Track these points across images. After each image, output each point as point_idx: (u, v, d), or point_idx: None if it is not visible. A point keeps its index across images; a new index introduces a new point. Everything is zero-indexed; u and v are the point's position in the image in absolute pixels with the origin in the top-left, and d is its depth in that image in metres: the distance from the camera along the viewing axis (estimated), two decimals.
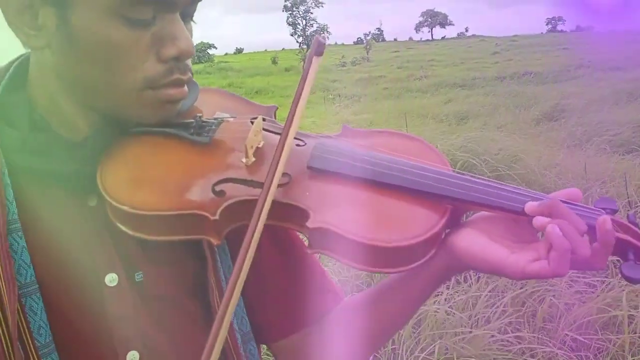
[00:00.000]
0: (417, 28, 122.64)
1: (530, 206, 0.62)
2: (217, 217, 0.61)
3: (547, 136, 7.06)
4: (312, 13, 42.42)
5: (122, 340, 0.66)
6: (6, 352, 0.59)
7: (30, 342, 0.60)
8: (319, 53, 0.65)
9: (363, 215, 0.64)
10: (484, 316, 2.78)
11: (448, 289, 3.10)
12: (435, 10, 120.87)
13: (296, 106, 0.64)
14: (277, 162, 0.61)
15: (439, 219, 0.64)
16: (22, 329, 0.60)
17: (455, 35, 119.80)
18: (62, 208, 0.66)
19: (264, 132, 0.71)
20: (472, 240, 0.64)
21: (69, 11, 0.58)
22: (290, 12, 42.73)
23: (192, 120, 0.69)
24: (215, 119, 0.71)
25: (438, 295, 2.96)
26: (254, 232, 0.57)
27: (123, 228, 0.62)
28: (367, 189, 0.66)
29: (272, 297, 0.78)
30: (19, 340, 0.60)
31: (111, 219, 0.63)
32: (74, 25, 0.58)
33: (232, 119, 0.72)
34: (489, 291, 2.99)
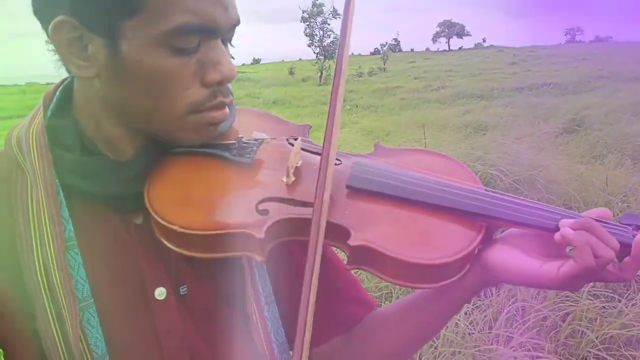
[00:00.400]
0: (434, 38, 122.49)
1: (564, 223, 0.64)
2: (262, 235, 0.63)
3: (567, 148, 6.99)
4: (329, 24, 42.65)
5: (170, 352, 0.68)
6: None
7: (88, 353, 0.63)
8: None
9: (402, 233, 0.66)
10: (506, 332, 2.76)
11: (468, 303, 3.08)
12: (453, 21, 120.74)
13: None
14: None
15: (474, 236, 0.67)
16: (81, 341, 0.63)
17: (472, 45, 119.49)
18: (111, 226, 0.69)
19: (302, 152, 0.73)
20: (506, 255, 0.66)
21: (118, 42, 0.60)
22: (307, 23, 42.98)
23: (234, 142, 0.72)
24: (255, 139, 0.73)
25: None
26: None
27: (170, 246, 0.65)
28: (404, 207, 0.68)
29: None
30: (75, 355, 0.62)
31: (158, 236, 0.65)
32: (123, 55, 0.61)
33: (270, 140, 0.74)
34: (510, 306, 2.96)
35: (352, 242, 0.64)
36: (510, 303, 3.00)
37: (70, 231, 0.66)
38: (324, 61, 39.86)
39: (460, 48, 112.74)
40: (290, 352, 0.78)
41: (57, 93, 0.72)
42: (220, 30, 0.64)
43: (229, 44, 0.69)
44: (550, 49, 62.66)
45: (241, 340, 0.71)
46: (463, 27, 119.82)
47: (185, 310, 0.71)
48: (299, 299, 0.78)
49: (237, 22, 0.66)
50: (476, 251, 0.69)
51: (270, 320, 0.74)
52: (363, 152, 0.79)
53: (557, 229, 0.65)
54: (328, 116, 0.66)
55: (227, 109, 0.70)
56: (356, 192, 0.70)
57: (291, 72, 43.86)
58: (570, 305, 2.90)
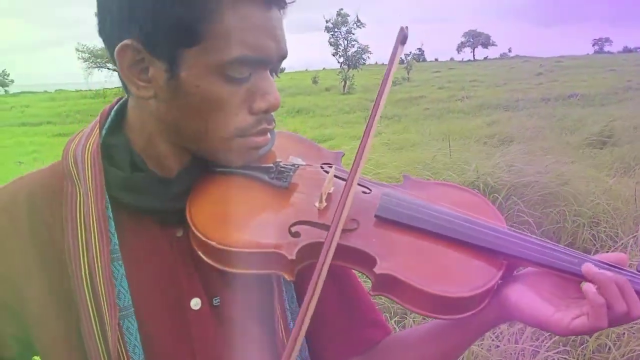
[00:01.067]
0: (459, 48, 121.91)
1: (588, 268, 0.66)
2: (293, 257, 0.67)
3: (595, 161, 6.90)
4: (353, 34, 42.77)
5: (203, 356, 0.72)
6: None
7: (126, 358, 0.67)
8: (404, 42, 0.73)
9: (426, 265, 0.69)
10: (532, 346, 2.74)
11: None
12: (478, 30, 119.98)
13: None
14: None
15: (495, 272, 0.69)
16: (120, 348, 0.67)
17: (497, 55, 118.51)
18: (153, 239, 0.73)
19: (335, 179, 0.77)
20: (521, 295, 0.68)
21: (178, 68, 0.65)
22: (332, 32, 43.17)
23: (272, 165, 0.76)
24: (292, 165, 0.77)
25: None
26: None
27: (207, 259, 0.69)
28: (430, 239, 0.71)
29: (328, 327, 0.83)
30: (117, 358, 0.66)
31: (196, 250, 0.70)
32: (181, 79, 0.65)
33: (306, 166, 0.79)
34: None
35: (377, 270, 0.67)
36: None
37: (116, 244, 0.70)
38: (348, 70, 39.97)
39: (485, 58, 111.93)
40: None
41: (112, 112, 0.77)
42: (271, 63, 0.69)
43: (274, 74, 0.73)
44: (577, 60, 61.82)
45: (267, 353, 0.74)
46: (488, 37, 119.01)
47: (218, 320, 0.74)
48: (322, 317, 0.81)
49: (286, 55, 0.71)
50: (495, 287, 0.71)
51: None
52: (392, 184, 0.82)
53: (575, 272, 0.67)
54: (357, 151, 0.70)
55: (269, 135, 0.74)
56: (384, 222, 0.73)
57: (315, 81, 44.01)
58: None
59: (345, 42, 42.40)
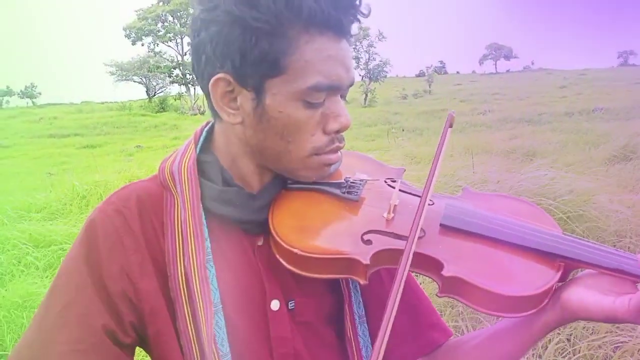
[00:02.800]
0: (481, 61, 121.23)
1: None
2: (368, 261, 0.74)
3: (619, 176, 6.82)
4: (374, 47, 42.89)
5: (279, 356, 0.81)
6: (199, 358, 0.75)
7: (215, 352, 0.76)
8: (452, 125, 0.80)
9: (489, 268, 0.75)
10: None
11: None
12: (500, 43, 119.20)
13: (433, 174, 0.78)
14: (419, 220, 0.75)
15: (554, 274, 0.75)
16: (208, 342, 0.75)
17: (520, 68, 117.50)
18: (239, 245, 0.83)
19: (400, 192, 0.85)
20: (583, 292, 0.73)
21: (263, 96, 0.75)
22: (353, 46, 43.28)
23: (343, 181, 0.86)
24: (360, 180, 0.87)
25: None
26: (401, 279, 0.70)
27: (288, 266, 0.77)
28: (492, 245, 0.78)
29: (393, 331, 0.91)
30: (205, 350, 0.75)
31: (278, 257, 0.78)
32: (266, 106, 0.75)
33: (372, 180, 0.88)
34: (560, 335, 2.98)
35: (445, 272, 0.73)
36: (559, 332, 3.02)
37: (208, 247, 0.78)
38: (369, 83, 40.08)
39: (507, 71, 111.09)
40: None
41: (204, 133, 0.87)
42: (342, 89, 0.78)
43: (344, 100, 0.83)
44: (602, 72, 61.05)
45: (337, 353, 0.83)
46: (511, 49, 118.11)
47: (293, 321, 0.83)
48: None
49: (354, 81, 0.81)
50: (554, 287, 0.75)
51: (362, 338, 0.87)
52: (453, 195, 0.90)
53: (631, 272, 0.71)
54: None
55: (340, 153, 0.83)
56: (449, 230, 0.79)
57: None
58: (620, 336, 2.90)
59: (367, 55, 42.56)
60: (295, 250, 0.75)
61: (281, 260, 0.78)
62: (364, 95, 38.14)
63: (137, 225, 0.80)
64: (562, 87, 41.00)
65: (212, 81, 0.76)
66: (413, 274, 0.94)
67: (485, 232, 0.78)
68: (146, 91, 51.38)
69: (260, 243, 0.83)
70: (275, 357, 0.81)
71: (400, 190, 0.85)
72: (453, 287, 0.74)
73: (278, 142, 0.77)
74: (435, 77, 54.11)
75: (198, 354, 0.75)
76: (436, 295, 0.77)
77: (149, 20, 44.45)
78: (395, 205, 0.82)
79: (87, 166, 13.87)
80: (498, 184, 4.98)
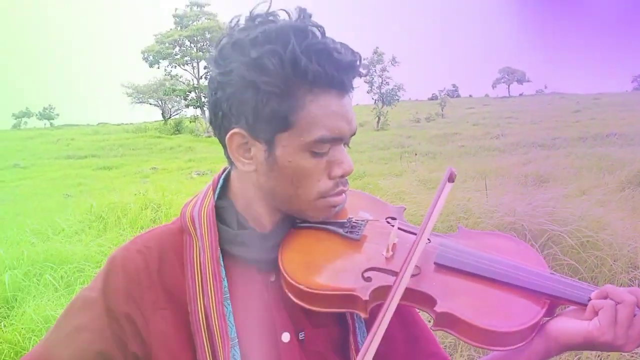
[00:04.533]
0: (494, 84, 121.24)
1: (610, 288, 0.81)
2: (367, 297, 0.81)
3: (633, 203, 6.81)
4: (388, 71, 43.25)
5: None
6: None
7: None
8: (452, 180, 0.87)
9: (479, 304, 0.82)
10: None
11: None
12: (513, 67, 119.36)
13: (429, 219, 0.85)
14: (411, 259, 0.82)
15: (539, 310, 0.81)
16: None
17: (533, 92, 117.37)
18: (253, 283, 0.90)
19: (399, 231, 0.92)
20: (565, 323, 0.82)
21: (274, 148, 0.83)
22: (367, 70, 43.72)
23: (346, 221, 0.92)
24: (362, 220, 0.94)
25: None
26: (386, 310, 0.78)
27: (296, 300, 0.84)
28: (482, 282, 0.85)
29: (393, 356, 0.97)
30: None
31: (286, 292, 0.86)
32: (277, 156, 0.83)
33: (373, 220, 0.95)
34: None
35: (437, 308, 0.80)
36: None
37: (226, 286, 0.86)
38: (382, 107, 40.32)
39: (520, 94, 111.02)
40: None
41: (221, 181, 0.94)
42: (344, 139, 0.86)
43: (346, 147, 0.91)
44: (616, 97, 60.75)
45: None
46: (524, 73, 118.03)
47: (303, 352, 0.89)
48: (389, 347, 0.95)
49: (355, 131, 0.88)
50: (541, 322, 0.82)
51: None
52: (447, 233, 0.97)
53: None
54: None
55: (344, 195, 0.90)
56: (442, 267, 0.86)
57: None
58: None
59: (380, 79, 42.91)
60: (301, 287, 0.83)
61: (290, 295, 0.85)
62: (377, 119, 38.32)
63: (155, 266, 0.88)
64: (576, 112, 40.85)
65: (228, 135, 0.84)
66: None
67: (477, 270, 0.85)
68: (162, 113, 52.11)
69: (272, 279, 0.90)
70: None
71: (399, 228, 0.92)
72: (445, 321, 0.81)
73: (288, 187, 0.85)
74: (448, 100, 54.24)
75: None
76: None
77: (167, 44, 45.29)
78: (394, 244, 0.89)
79: (103, 187, 14.07)
80: (510, 209, 4.99)
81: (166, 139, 36.05)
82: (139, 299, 0.86)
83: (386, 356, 0.95)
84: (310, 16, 0.83)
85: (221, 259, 0.87)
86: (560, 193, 6.25)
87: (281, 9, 0.83)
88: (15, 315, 3.85)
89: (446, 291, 0.83)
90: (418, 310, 0.96)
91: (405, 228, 0.94)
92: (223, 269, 0.87)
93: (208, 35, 44.22)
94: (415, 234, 0.89)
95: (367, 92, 43.41)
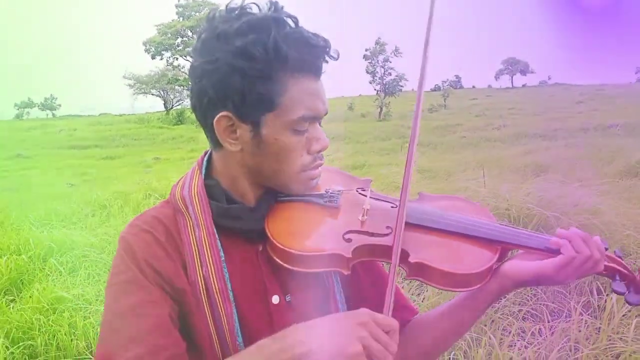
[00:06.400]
0: (497, 76, 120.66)
1: (560, 231, 0.95)
2: (350, 255, 0.91)
3: (630, 192, 6.86)
4: (390, 62, 43.15)
5: None
6: (217, 345, 0.91)
7: (230, 340, 0.92)
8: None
9: (443, 253, 0.95)
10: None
11: (523, 339, 3.22)
12: (517, 58, 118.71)
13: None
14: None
15: (492, 255, 0.96)
16: (226, 330, 0.92)
17: (536, 83, 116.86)
18: (244, 251, 0.99)
19: (370, 199, 1.04)
20: (516, 263, 0.96)
21: (260, 128, 0.91)
22: (369, 60, 43.62)
23: (324, 192, 1.03)
24: (338, 191, 1.04)
25: (512, 346, 3.09)
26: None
27: (285, 264, 0.93)
28: (444, 236, 0.98)
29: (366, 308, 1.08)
30: (225, 338, 0.91)
31: (275, 257, 0.94)
32: (262, 136, 0.92)
33: (347, 191, 1.06)
34: (562, 345, 3.08)
35: (411, 259, 0.92)
36: (562, 342, 3.13)
37: (223, 256, 0.94)
38: (384, 97, 40.31)
39: (523, 85, 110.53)
40: None
41: (204, 162, 1.01)
42: (320, 117, 0.95)
43: (319, 124, 0.99)
44: (619, 88, 60.48)
45: None
46: (527, 64, 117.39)
47: (292, 312, 0.97)
48: (361, 300, 1.04)
49: (328, 111, 0.98)
50: (494, 266, 0.95)
51: None
52: (412, 199, 1.08)
53: (549, 249, 0.94)
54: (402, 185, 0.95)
55: (320, 169, 0.99)
56: (411, 226, 0.97)
57: (350, 108, 44.45)
58: (621, 347, 2.99)
59: (382, 70, 42.83)
60: (292, 251, 0.91)
61: (279, 260, 0.93)
62: (379, 109, 38.33)
63: (163, 238, 0.95)
64: (579, 103, 40.78)
65: (216, 119, 0.91)
66: (382, 264, 1.11)
67: (439, 226, 0.99)
68: (164, 104, 52.19)
69: (260, 249, 0.99)
70: None
71: (370, 197, 1.04)
72: (418, 270, 0.94)
73: (273, 163, 0.94)
74: (450, 91, 54.15)
75: (217, 340, 0.92)
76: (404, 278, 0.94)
77: (169, 35, 45.24)
78: (367, 210, 1.00)
79: (106, 177, 14.20)
80: (506, 197, 5.08)
81: (168, 129, 36.19)
82: (161, 265, 0.92)
83: (359, 307, 1.06)
84: (282, 7, 0.91)
85: (215, 231, 0.95)
86: (557, 183, 6.31)
87: (253, 2, 0.91)
88: (23, 298, 3.97)
89: (416, 245, 0.95)
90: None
91: (375, 196, 1.06)
92: (219, 240, 0.95)
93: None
94: (385, 201, 1.03)
95: (370, 83, 43.41)
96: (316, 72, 0.92)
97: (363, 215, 0.99)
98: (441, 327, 1.05)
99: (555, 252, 0.93)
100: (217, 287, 0.92)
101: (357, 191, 1.07)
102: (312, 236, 0.97)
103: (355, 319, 0.83)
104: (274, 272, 0.97)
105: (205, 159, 1.03)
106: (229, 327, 0.91)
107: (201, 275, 0.93)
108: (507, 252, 1.00)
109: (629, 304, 0.98)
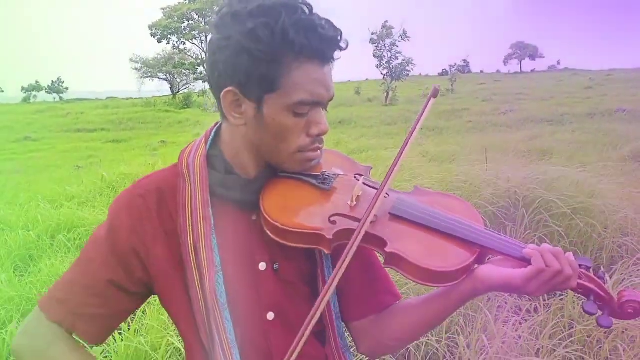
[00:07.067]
0: (506, 60, 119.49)
1: (532, 247, 0.97)
2: (331, 236, 0.96)
3: (633, 176, 6.87)
4: (397, 46, 42.80)
5: (266, 305, 1.04)
6: (203, 307, 0.98)
7: (216, 302, 0.98)
8: (435, 95, 1.02)
9: (421, 248, 0.97)
10: (551, 343, 2.95)
11: (518, 315, 3.29)
12: (526, 42, 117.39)
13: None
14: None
15: (470, 256, 0.97)
16: (210, 294, 0.98)
17: (545, 68, 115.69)
18: (237, 220, 1.05)
19: (363, 185, 1.07)
20: (490, 268, 0.98)
21: (262, 106, 0.96)
22: (376, 45, 43.27)
23: (320, 174, 1.07)
24: (334, 174, 1.08)
25: (506, 322, 3.16)
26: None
27: (272, 236, 0.99)
28: (425, 231, 1.01)
29: (353, 290, 1.14)
30: (208, 300, 0.98)
31: (265, 228, 1.01)
32: (264, 114, 0.96)
33: (343, 175, 1.10)
34: (558, 319, 3.15)
35: (387, 249, 0.95)
36: (557, 319, 3.20)
37: (212, 223, 0.99)
38: (391, 82, 40.07)
39: (532, 70, 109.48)
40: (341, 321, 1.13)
41: (212, 133, 1.07)
42: (322, 103, 0.98)
43: (325, 111, 1.04)
44: (629, 73, 59.80)
45: (311, 306, 0.98)
46: (536, 48, 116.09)
47: (277, 279, 1.03)
48: (349, 283, 1.11)
49: (333, 97, 1.02)
50: (471, 267, 0.97)
51: (331, 296, 1.06)
52: (405, 191, 1.11)
53: (523, 258, 0.95)
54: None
55: (320, 152, 1.03)
56: (395, 217, 1.01)
57: (357, 92, 44.20)
58: (614, 323, 3.05)
59: (389, 54, 42.51)
60: (277, 224, 0.97)
61: (267, 231, 1.00)
62: (386, 94, 38.15)
63: (154, 206, 1.03)
64: (588, 88, 40.40)
65: (223, 93, 0.97)
66: (376, 254, 1.14)
67: (422, 221, 1.01)
68: (170, 88, 52.15)
69: (254, 218, 1.05)
70: (263, 307, 1.04)
71: (363, 183, 1.08)
72: (393, 260, 0.96)
73: (271, 141, 0.99)
74: (458, 76, 53.68)
75: (203, 304, 0.98)
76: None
77: (175, 19, 45.06)
78: (358, 196, 1.04)
79: (113, 160, 14.29)
80: (507, 178, 5.11)
81: (175, 113, 36.22)
82: (142, 233, 1.01)
83: (347, 292, 1.12)
84: None
85: (209, 200, 1.02)
86: (559, 165, 6.33)
87: None
88: (32, 272, 4.08)
89: (396, 236, 0.98)
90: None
91: (369, 183, 1.10)
92: (210, 209, 1.01)
93: (216, 9, 43.85)
94: (377, 189, 1.04)
95: (376, 67, 43.12)
96: (322, 59, 0.95)
97: (352, 201, 1.02)
98: (415, 317, 1.09)
99: (528, 261, 0.94)
100: (204, 253, 0.98)
101: (354, 177, 1.10)
102: (300, 213, 1.01)
103: None
104: (265, 241, 1.02)
105: (215, 130, 1.09)
106: (212, 292, 0.97)
107: (191, 238, 0.99)
108: (485, 256, 1.01)
109: (600, 326, 0.96)
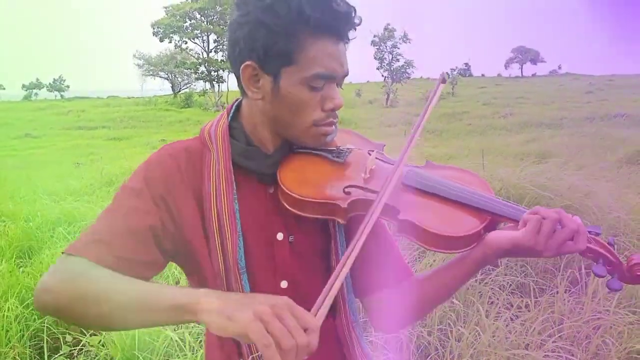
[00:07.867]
0: (507, 64, 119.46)
1: (537, 208, 1.00)
2: (346, 206, 0.99)
3: (628, 179, 6.91)
4: (398, 48, 42.86)
5: (280, 274, 1.09)
6: (223, 270, 1.03)
7: (235, 266, 1.04)
8: (444, 81, 1.08)
9: (433, 215, 1.01)
10: (540, 338, 3.01)
11: (509, 310, 3.35)
12: (527, 47, 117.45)
13: (408, 146, 1.06)
14: (392, 179, 1.01)
15: (479, 223, 1.01)
16: (231, 258, 1.04)
17: (547, 72, 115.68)
18: (256, 190, 1.09)
19: (376, 159, 1.12)
20: (499, 233, 1.02)
21: (279, 80, 1.00)
22: (377, 47, 43.31)
23: (334, 148, 1.12)
24: (347, 148, 1.14)
25: (498, 318, 3.22)
26: (370, 218, 0.97)
27: (289, 207, 1.04)
28: (437, 200, 1.04)
29: (367, 266, 1.18)
30: (228, 264, 1.03)
31: (282, 201, 1.06)
32: (281, 88, 1.00)
33: (357, 149, 1.15)
34: (548, 315, 3.21)
35: (400, 217, 0.99)
36: (547, 314, 3.26)
37: (235, 189, 1.03)
38: (392, 84, 40.12)
39: (533, 75, 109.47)
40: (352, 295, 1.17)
41: (234, 107, 1.11)
42: (337, 78, 1.00)
43: (339, 87, 1.04)
44: (630, 79, 59.80)
45: (324, 279, 0.99)
46: (537, 53, 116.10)
47: (292, 251, 1.07)
48: (363, 258, 1.14)
49: (347, 74, 1.06)
50: (481, 233, 0.99)
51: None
52: (418, 165, 1.13)
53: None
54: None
55: (334, 127, 1.05)
56: (408, 187, 1.05)
57: (358, 94, 44.21)
58: (602, 319, 3.12)
59: (390, 56, 42.54)
60: (295, 195, 1.01)
61: (284, 203, 1.05)
62: (386, 96, 38.21)
63: (184, 167, 1.07)
64: (588, 93, 40.45)
65: (242, 67, 1.01)
66: (389, 232, 1.20)
67: (434, 190, 1.05)
68: (172, 87, 52.21)
69: (271, 191, 1.09)
70: (277, 275, 1.09)
71: (376, 158, 1.13)
72: (405, 228, 1.00)
73: (287, 115, 1.03)
74: (459, 79, 53.79)
75: (222, 267, 1.04)
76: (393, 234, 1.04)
77: (177, 17, 45.13)
78: (372, 169, 1.09)
79: (113, 157, 14.30)
80: (501, 178, 5.17)
81: (176, 112, 36.29)
82: (172, 189, 1.04)
83: (361, 265, 1.16)
84: None
85: (232, 167, 1.06)
86: (555, 168, 6.38)
87: None
88: (33, 263, 4.14)
89: (408, 205, 1.02)
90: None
91: (381, 158, 1.15)
92: (233, 175, 1.06)
93: (219, 9, 44.02)
94: (390, 163, 1.09)
95: (377, 69, 43.16)
96: (337, 34, 1.00)
97: (366, 173, 1.06)
98: (431, 287, 1.13)
99: None
100: (227, 219, 1.03)
101: (367, 152, 1.15)
102: (316, 185, 1.05)
103: (269, 300, 0.82)
104: (282, 213, 1.07)
105: (235, 105, 1.13)
106: (233, 256, 1.02)
107: (215, 204, 1.04)
108: (496, 224, 1.04)
109: (610, 289, 0.99)
